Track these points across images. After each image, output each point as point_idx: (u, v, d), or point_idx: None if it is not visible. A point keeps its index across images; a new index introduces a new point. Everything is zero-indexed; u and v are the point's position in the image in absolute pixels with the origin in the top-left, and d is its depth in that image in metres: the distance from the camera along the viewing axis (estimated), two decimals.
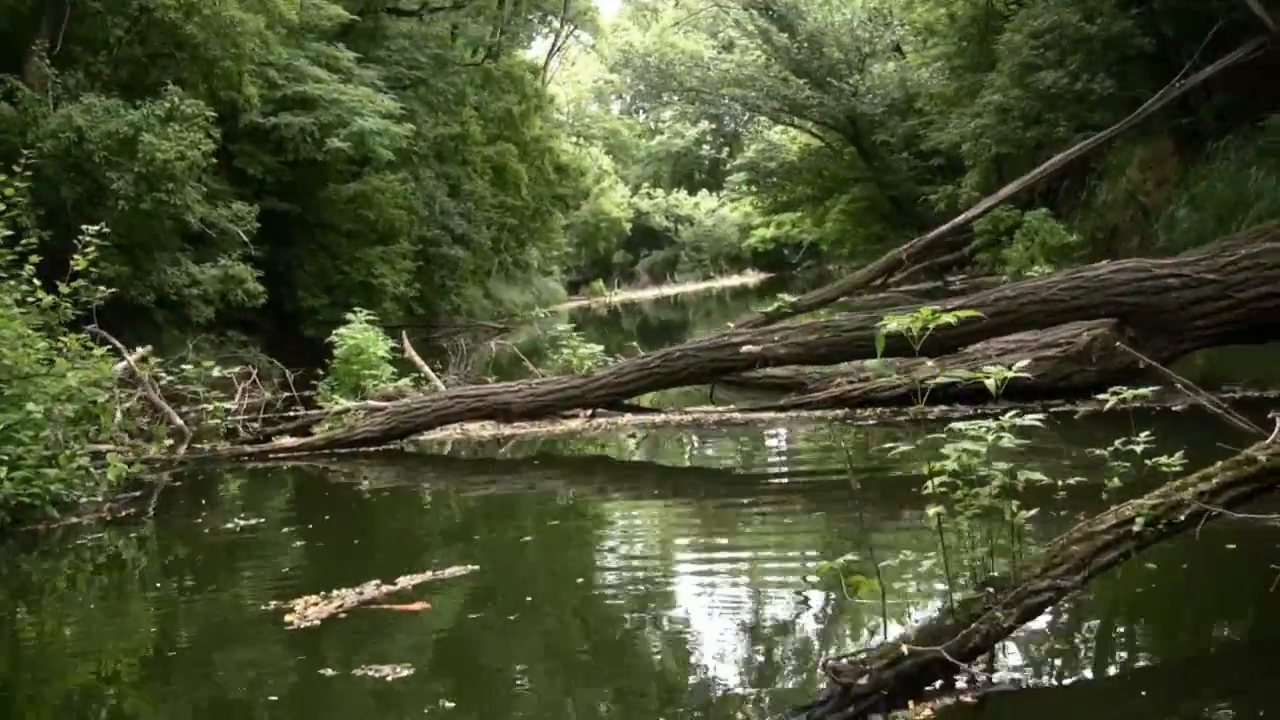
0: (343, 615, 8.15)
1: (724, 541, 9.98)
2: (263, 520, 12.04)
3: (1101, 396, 7.37)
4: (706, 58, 65.67)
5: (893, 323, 6.36)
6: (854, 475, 8.77)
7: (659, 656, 7.19)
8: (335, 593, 8.58)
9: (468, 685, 6.91)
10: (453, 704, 6.38)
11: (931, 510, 5.96)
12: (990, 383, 6.18)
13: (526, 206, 57.42)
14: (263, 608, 8.58)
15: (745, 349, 14.03)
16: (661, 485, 12.98)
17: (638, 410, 15.76)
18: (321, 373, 19.99)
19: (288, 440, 16.19)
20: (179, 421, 16.34)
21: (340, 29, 40.00)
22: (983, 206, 24.33)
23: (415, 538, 11.62)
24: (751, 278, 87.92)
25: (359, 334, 20.23)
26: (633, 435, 15.10)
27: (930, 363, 9.70)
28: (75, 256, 14.85)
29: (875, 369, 6.63)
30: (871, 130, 54.49)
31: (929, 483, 6.02)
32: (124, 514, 12.77)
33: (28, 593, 10.41)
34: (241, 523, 11.77)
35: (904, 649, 5.39)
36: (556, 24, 70.11)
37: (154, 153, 26.09)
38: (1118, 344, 12.16)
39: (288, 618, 8.13)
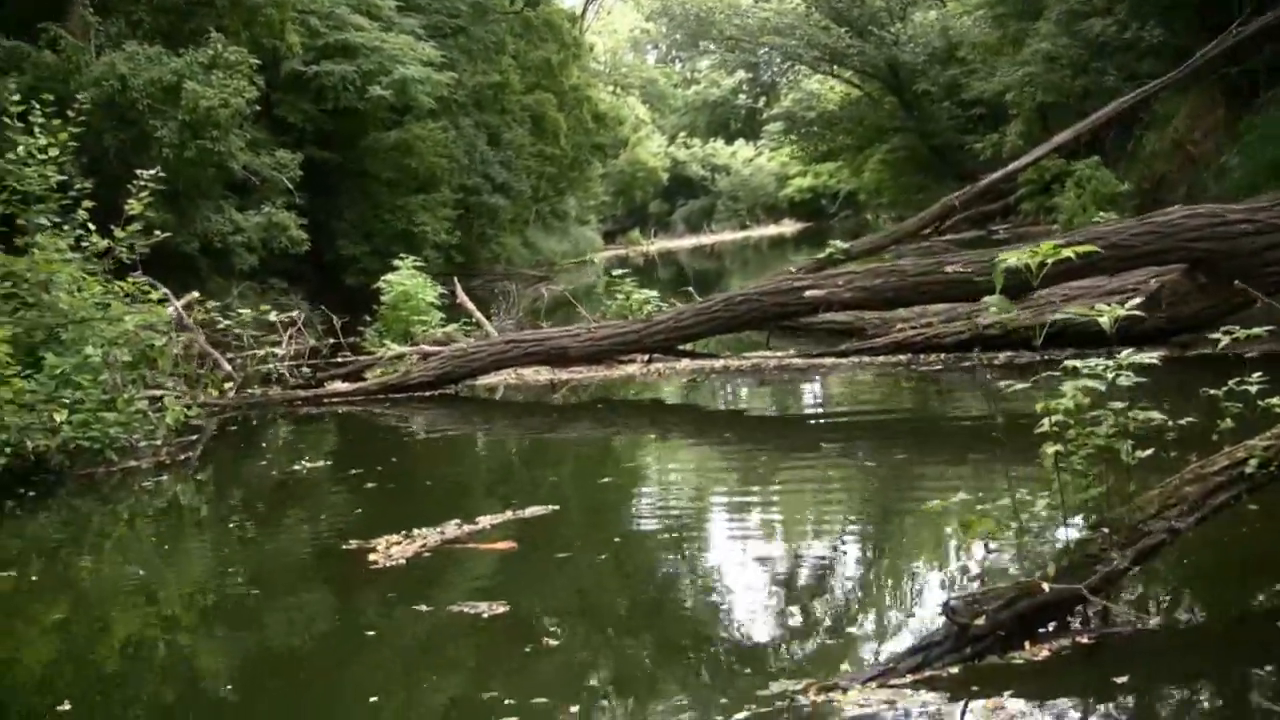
0: (427, 554, 8.11)
1: (809, 483, 9.77)
2: (329, 463, 11.97)
3: (1215, 336, 7.11)
4: (745, 5, 65.00)
5: (1011, 258, 6.15)
6: (997, 415, 8.42)
7: (766, 593, 7.07)
8: (415, 532, 8.54)
9: (568, 623, 6.83)
10: (555, 642, 6.27)
11: (1049, 449, 5.78)
12: (1105, 321, 5.97)
13: (565, 155, 56.98)
14: (343, 547, 8.55)
15: (809, 293, 13.85)
16: (733, 428, 12.80)
17: (694, 355, 15.56)
18: (369, 319, 19.88)
19: (340, 385, 16.15)
20: (227, 367, 16.24)
21: None
22: (1034, 155, 23.96)
23: (487, 480, 11.57)
24: (788, 227, 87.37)
25: (407, 280, 20.11)
26: (692, 380, 14.92)
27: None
28: (129, 201, 14.74)
29: (996, 305, 6.36)
30: (913, 79, 53.99)
31: (1045, 421, 5.83)
32: (183, 458, 12.71)
33: (103, 534, 10.38)
34: (308, 465, 11.70)
35: (1042, 586, 5.22)
36: None
37: (198, 100, 25.90)
38: (1193, 288, 11.94)
39: (371, 556, 8.09)
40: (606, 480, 10.66)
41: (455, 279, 22.08)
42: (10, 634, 7.78)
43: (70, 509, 11.32)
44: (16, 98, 14.52)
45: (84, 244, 14.38)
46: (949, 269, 13.24)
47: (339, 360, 18.04)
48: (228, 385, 15.58)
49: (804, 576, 7.26)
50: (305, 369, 17.13)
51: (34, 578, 8.97)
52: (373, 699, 5.86)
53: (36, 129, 14.47)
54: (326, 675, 6.50)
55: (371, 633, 6.92)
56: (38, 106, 14.64)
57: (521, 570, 7.94)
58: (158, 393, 14.14)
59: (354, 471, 11.53)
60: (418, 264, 21.03)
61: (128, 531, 10.55)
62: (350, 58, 34.65)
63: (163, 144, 25.58)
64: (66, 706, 5.97)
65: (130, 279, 14.65)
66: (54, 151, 14.35)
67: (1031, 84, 35.85)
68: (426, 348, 16.58)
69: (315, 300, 27.82)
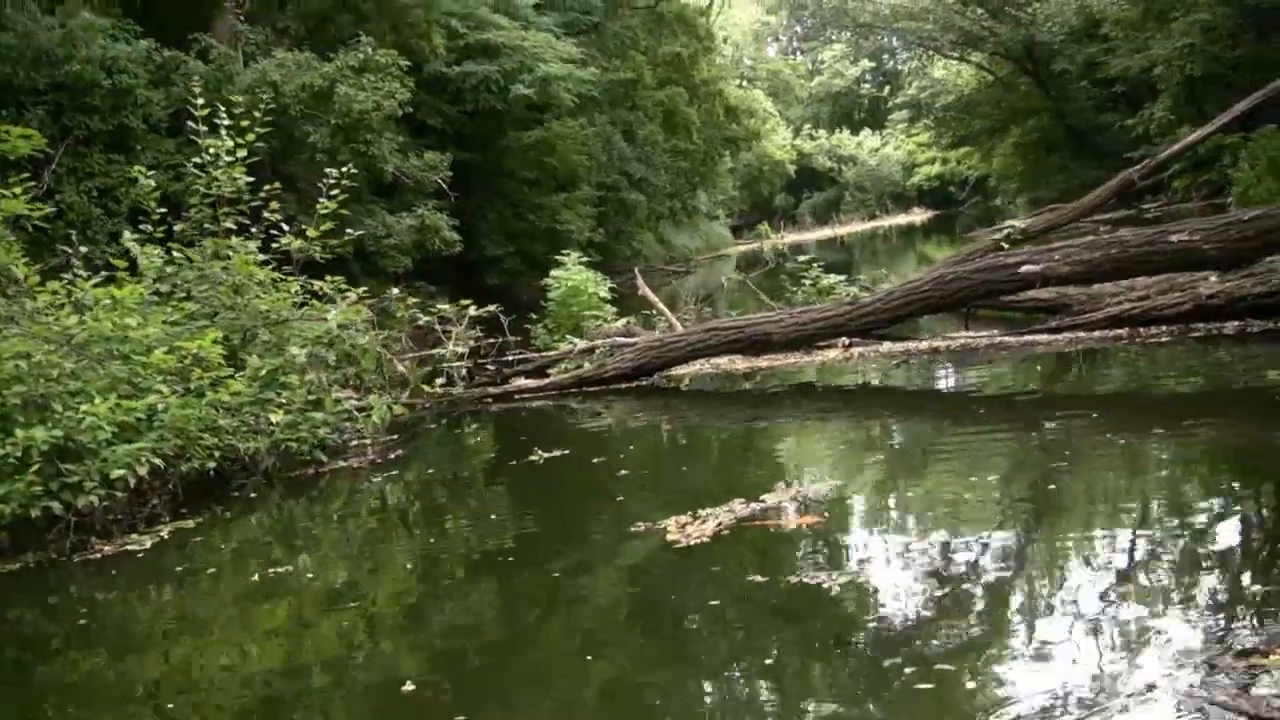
0: (725, 532, 7.81)
1: (1083, 468, 9.20)
2: (565, 452, 11.64)
3: None
4: None
5: None
6: None
7: (1086, 576, 6.56)
8: (701, 512, 8.26)
9: (924, 597, 6.42)
10: (930, 612, 5.95)
11: None
12: None
13: (697, 150, 56.76)
14: (631, 529, 8.30)
15: (1025, 268, 13.34)
16: (984, 407, 11.95)
17: (897, 339, 15.05)
18: (534, 317, 19.58)
19: (527, 381, 15.87)
20: (399, 369, 16.00)
21: None
22: (1213, 126, 23.01)
23: (747, 462, 11.20)
24: (917, 216, 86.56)
25: (576, 276, 19.83)
26: (902, 362, 14.38)
27: None
28: (320, 200, 14.65)
29: None
30: (1050, 59, 53.00)
31: None
32: (394, 455, 12.50)
33: (338, 531, 10.21)
34: (543, 454, 11.37)
35: None
36: None
37: (350, 104, 25.91)
38: None
39: (669, 537, 7.83)
40: (875, 459, 10.19)
41: (637, 271, 21.78)
42: (229, 637, 7.66)
43: (285, 510, 11.11)
44: (200, 101, 14.31)
45: (274, 245, 14.26)
46: (1173, 238, 12.69)
47: (518, 357, 17.76)
48: (439, 383, 15.32)
49: (1104, 571, 6.72)
50: (490, 366, 16.83)
51: (254, 578, 8.81)
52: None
53: (224, 131, 14.36)
54: (724, 640, 6.31)
55: (715, 602, 6.71)
56: (223, 110, 14.51)
57: (845, 545, 7.64)
58: (346, 394, 13.94)
59: (596, 460, 11.24)
60: (584, 260, 20.72)
61: (377, 526, 10.39)
62: (491, 58, 34.61)
63: (316, 148, 25.57)
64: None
65: (329, 278, 14.52)
66: (242, 153, 14.26)
67: (1185, 57, 34.86)
68: (621, 339, 16.26)
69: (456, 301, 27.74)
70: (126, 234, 13.51)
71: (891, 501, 8.84)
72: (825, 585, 6.51)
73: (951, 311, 15.10)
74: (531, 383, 15.78)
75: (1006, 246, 17.27)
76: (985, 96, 61.44)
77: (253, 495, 11.38)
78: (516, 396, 15.45)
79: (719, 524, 7.94)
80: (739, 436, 12.48)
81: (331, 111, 25.91)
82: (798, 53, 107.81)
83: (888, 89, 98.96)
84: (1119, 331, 13.48)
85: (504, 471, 11.54)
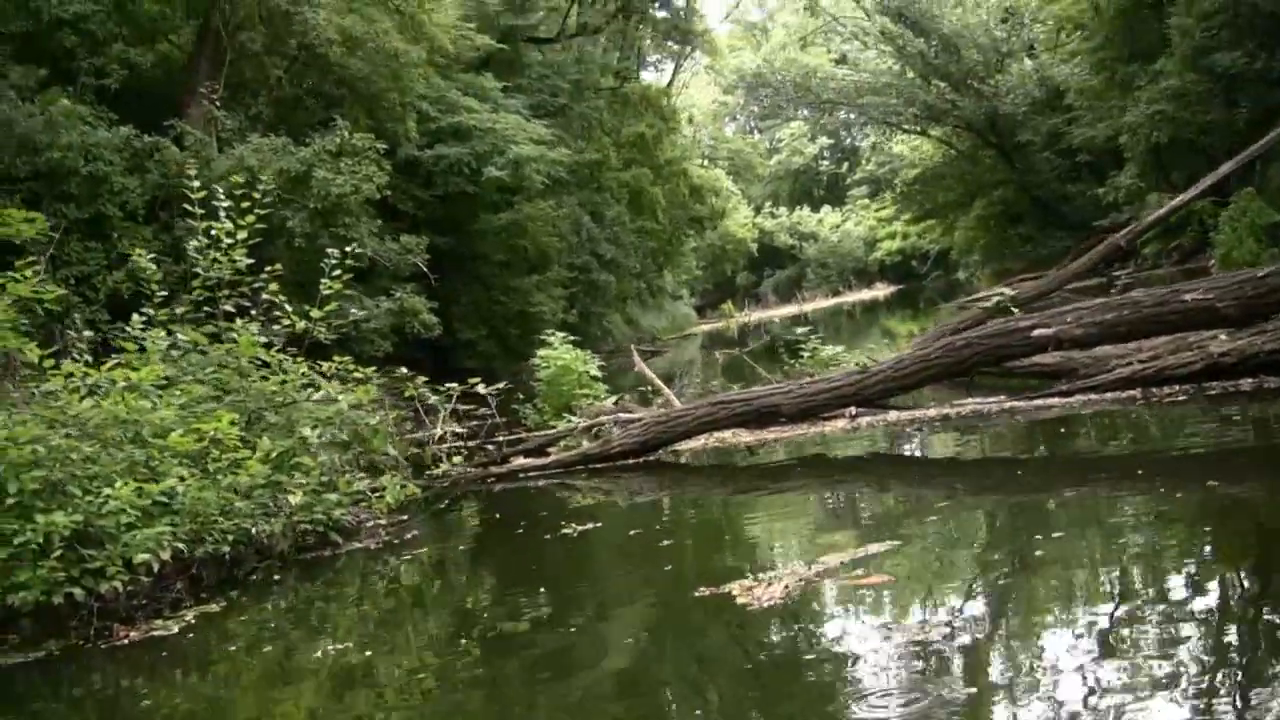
0: (797, 594, 7.74)
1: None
2: (598, 525, 11.52)
3: None
4: (836, 70, 65.04)
5: None
6: None
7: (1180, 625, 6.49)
8: (761, 575, 8.21)
9: (1025, 650, 6.40)
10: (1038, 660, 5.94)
11: None
12: None
13: (663, 230, 56.98)
14: (694, 594, 8.22)
15: (1037, 332, 13.35)
16: (1023, 468, 11.85)
17: (902, 408, 14.99)
18: (521, 398, 19.42)
19: (533, 460, 15.75)
20: (409, 449, 15.89)
21: (481, 60, 39.89)
22: (1197, 190, 23.23)
23: (787, 530, 11.02)
24: (880, 291, 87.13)
25: (566, 354, 19.73)
26: (915, 429, 14.30)
27: None
28: (323, 281, 14.58)
29: None
30: (1013, 130, 53.61)
31: None
32: (410, 536, 12.34)
33: (360, 614, 10.03)
34: (577, 528, 11.25)
35: None
36: (675, 47, 69.59)
37: (328, 188, 25.94)
38: None
39: (739, 600, 7.76)
40: (914, 523, 10.08)
41: (633, 348, 21.72)
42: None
43: (305, 593, 10.93)
44: (197, 184, 14.25)
45: (275, 326, 14.16)
46: (1187, 297, 12.72)
47: (512, 437, 17.61)
48: (455, 461, 15.20)
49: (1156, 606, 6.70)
50: (488, 446, 16.65)
51: (278, 663, 8.69)
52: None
53: (222, 213, 14.30)
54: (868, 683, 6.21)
55: (839, 650, 6.76)
56: (220, 192, 14.45)
57: (924, 602, 7.51)
58: (355, 475, 13.80)
59: (633, 532, 11.13)
60: (572, 340, 20.64)
61: (408, 606, 10.25)
62: (463, 140, 34.76)
63: (294, 234, 25.49)
64: None
65: (335, 358, 14.42)
66: (242, 235, 14.18)
67: (1153, 123, 35.30)
68: (622, 415, 16.14)
69: (438, 385, 27.57)
70: (135, 316, 13.34)
71: (949, 560, 8.73)
72: (929, 639, 6.53)
73: (962, 377, 15.06)
74: (534, 461, 15.65)
75: (1017, 311, 17.27)
76: (949, 170, 62.00)
77: (275, 578, 11.20)
78: (520, 475, 15.33)
79: (786, 587, 7.86)
80: (769, 506, 12.33)
81: (309, 196, 25.88)
82: (756, 131, 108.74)
83: (846, 165, 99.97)
84: (1132, 392, 13.44)
85: (537, 545, 11.36)
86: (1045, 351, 13.75)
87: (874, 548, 8.67)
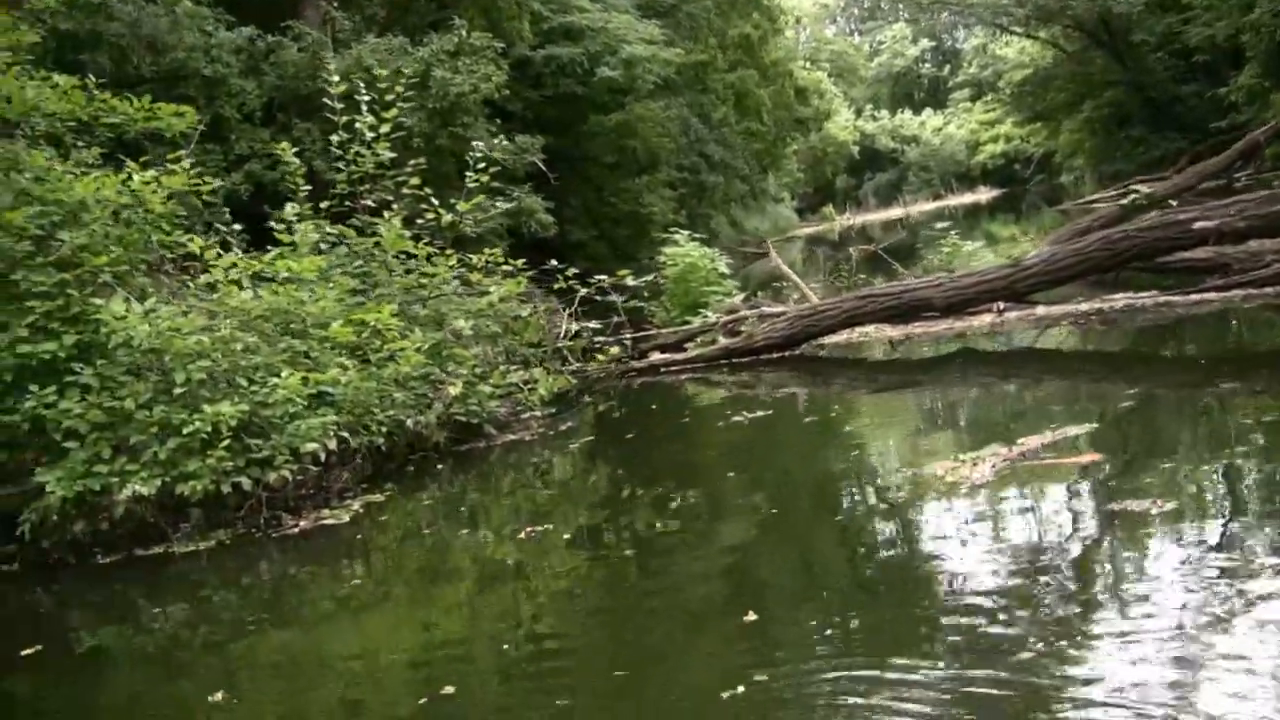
0: (1006, 472, 7.69)
1: None
2: (769, 413, 11.43)
3: None
4: None
5: None
6: None
7: None
8: (962, 458, 8.15)
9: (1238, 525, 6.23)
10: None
11: None
12: None
13: (768, 132, 56.47)
14: (898, 474, 8.27)
15: (1198, 224, 13.01)
16: (1195, 366, 11.55)
17: (1050, 303, 14.69)
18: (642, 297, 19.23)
19: (675, 355, 15.64)
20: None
21: None
22: None
23: (967, 416, 10.96)
24: (982, 195, 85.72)
25: (693, 252, 19.56)
26: (1072, 324, 13.98)
27: None
28: (468, 174, 14.51)
29: None
30: (1127, 30, 52.22)
31: None
32: (563, 428, 12.30)
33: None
34: (747, 415, 11.17)
35: None
36: None
37: (447, 87, 25.71)
38: None
39: (948, 479, 7.72)
40: (1122, 404, 9.87)
41: (769, 243, 21.54)
42: (413, 612, 7.59)
43: (463, 484, 10.96)
44: (336, 78, 14.17)
45: (417, 221, 14.13)
46: None
47: (644, 334, 17.50)
48: (605, 356, 15.15)
49: None
50: (624, 342, 16.56)
51: (440, 552, 8.83)
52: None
53: (364, 107, 14.23)
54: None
55: (1065, 532, 6.62)
56: (363, 87, 14.38)
57: (1123, 480, 7.34)
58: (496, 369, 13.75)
59: (808, 419, 11.05)
60: (699, 237, 20.44)
61: (592, 494, 10.18)
62: (575, 40, 34.31)
63: (412, 133, 25.38)
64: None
65: (486, 252, 14.38)
66: (385, 128, 14.12)
67: (1277, 21, 34.29)
68: (765, 309, 16.01)
69: (548, 285, 27.55)
70: (289, 207, 13.31)
71: (1156, 441, 8.60)
72: (1149, 511, 6.44)
73: (1116, 272, 14.71)
74: (673, 356, 15.60)
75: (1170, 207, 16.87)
76: (1060, 71, 60.60)
77: (433, 469, 11.23)
78: (660, 370, 15.24)
79: (993, 466, 7.79)
80: (937, 395, 12.19)
81: (428, 95, 25.72)
82: (856, 34, 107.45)
83: (948, 68, 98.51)
84: None
85: (709, 432, 11.30)
86: (1205, 245, 13.41)
87: (1071, 430, 8.53)
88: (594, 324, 16.47)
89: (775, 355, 14.85)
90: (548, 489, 10.59)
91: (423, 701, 5.64)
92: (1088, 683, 4.61)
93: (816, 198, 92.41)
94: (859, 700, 4.83)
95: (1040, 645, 4.99)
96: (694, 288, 18.84)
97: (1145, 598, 5.37)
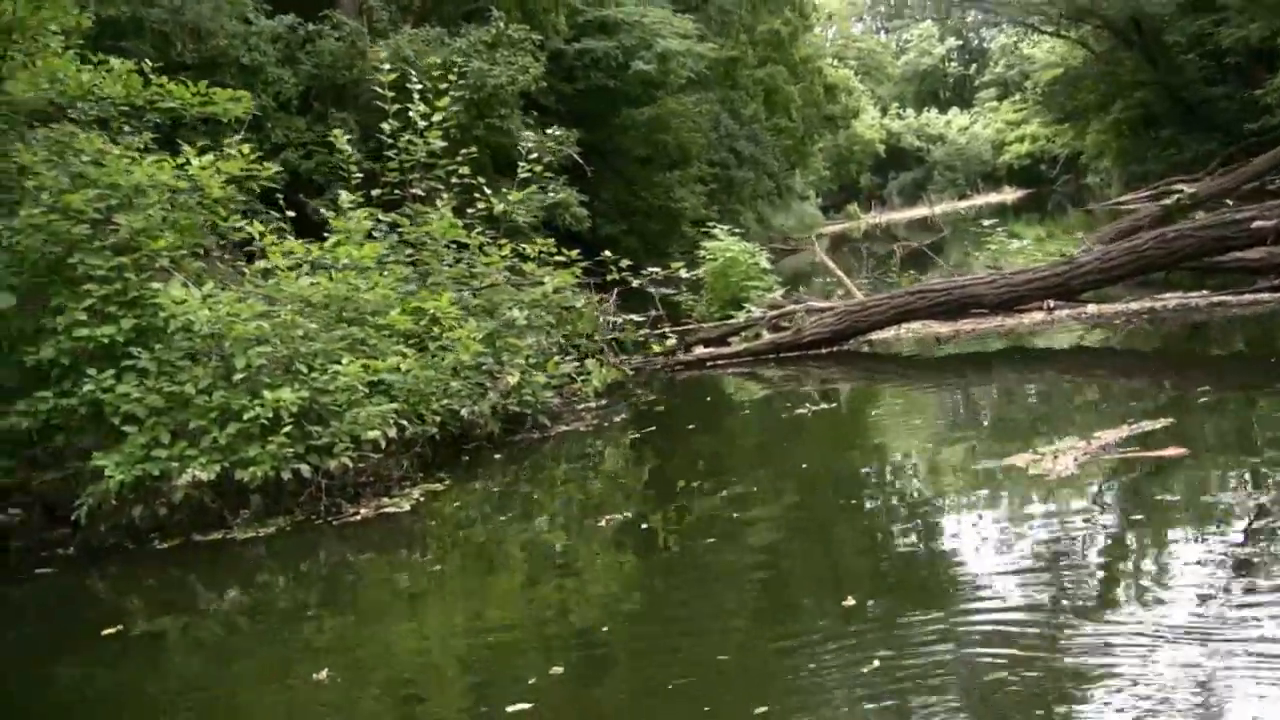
0: (1082, 467, 7.63)
1: None
2: (832, 405, 11.41)
3: None
4: None
5: None
6: None
7: None
8: (1040, 451, 8.10)
9: None
10: None
11: None
12: None
13: (797, 128, 56.32)
14: (978, 466, 8.21)
15: (1257, 224, 12.94)
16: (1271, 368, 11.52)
17: (1101, 301, 14.62)
18: (683, 290, 19.21)
19: (721, 348, 15.62)
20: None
21: None
22: None
23: (1036, 411, 10.87)
24: (1008, 195, 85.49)
25: (733, 246, 19.51)
26: (1129, 321, 13.90)
27: None
28: (520, 164, 14.50)
29: None
30: (1158, 31, 51.99)
31: None
32: (616, 419, 12.27)
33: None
34: (811, 408, 11.14)
35: None
36: None
37: (484, 79, 25.67)
38: None
39: (1031, 472, 7.68)
40: (1198, 400, 9.73)
41: (814, 239, 21.51)
42: (467, 603, 7.61)
43: (519, 473, 10.93)
44: (387, 67, 14.17)
45: (468, 210, 14.12)
46: None
47: (685, 328, 17.46)
48: (669, 344, 15.15)
49: None
50: (669, 336, 16.53)
51: (496, 541, 8.85)
52: None
53: (416, 96, 14.24)
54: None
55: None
56: (413, 75, 14.37)
57: (1211, 474, 7.37)
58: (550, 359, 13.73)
59: (875, 412, 11.01)
60: (735, 230, 20.42)
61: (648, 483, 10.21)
62: (610, 34, 34.23)
63: (449, 125, 25.35)
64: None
65: (539, 241, 14.36)
66: (437, 118, 14.11)
67: None
68: (812, 303, 15.98)
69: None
70: (344, 195, 13.30)
71: (1239, 435, 8.54)
72: (1249, 504, 6.46)
73: (1167, 272, 14.65)
74: (720, 350, 15.58)
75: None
76: (1090, 71, 60.36)
77: (489, 458, 11.22)
78: (706, 364, 15.21)
79: (1075, 459, 7.76)
80: (998, 390, 12.17)
81: (465, 86, 25.68)
82: (883, 31, 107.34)
83: (974, 67, 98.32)
84: None
85: (773, 424, 11.26)
86: (1262, 245, 13.32)
87: (1147, 425, 8.49)
88: (635, 317, 16.42)
89: (823, 350, 14.78)
90: (608, 479, 10.56)
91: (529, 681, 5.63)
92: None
93: (841, 196, 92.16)
94: (986, 678, 4.85)
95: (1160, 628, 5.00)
96: (734, 282, 18.79)
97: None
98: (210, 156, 11.66)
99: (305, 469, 9.71)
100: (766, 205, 59.84)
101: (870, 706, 4.84)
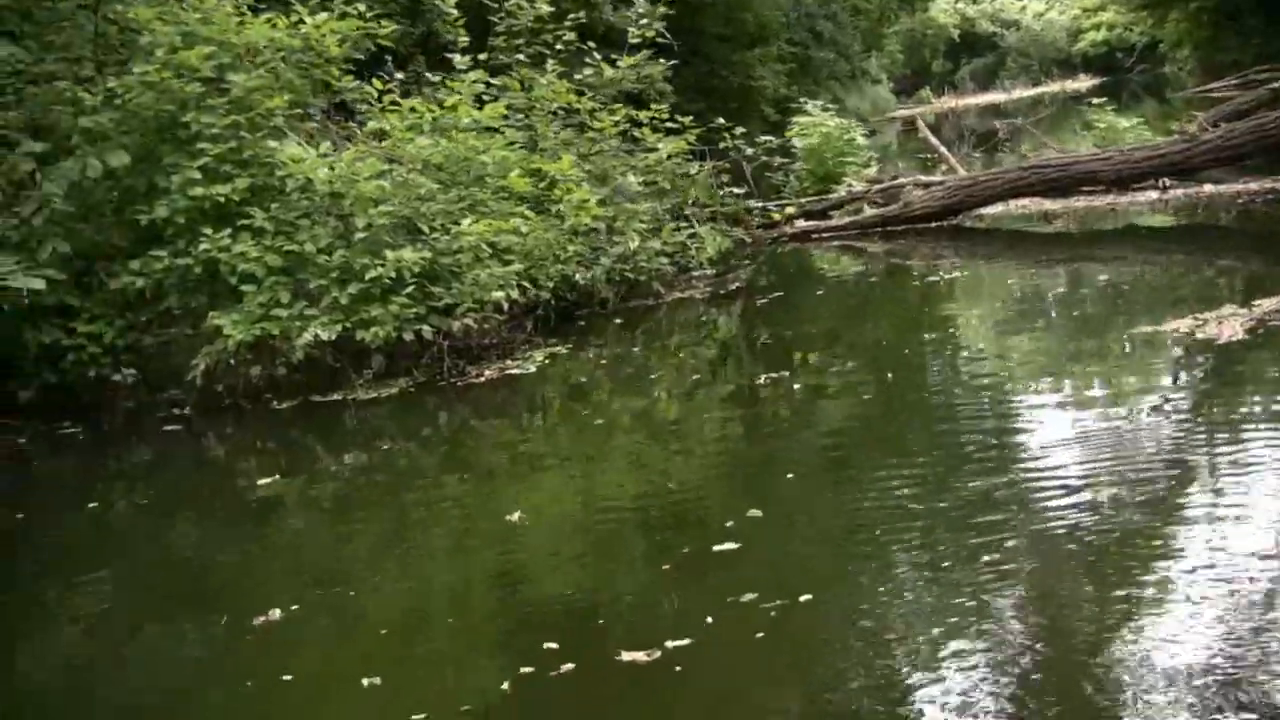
0: (1249, 332, 7.54)
1: None
2: (965, 274, 11.25)
3: None
4: None
5: None
6: None
7: None
8: (1200, 317, 8.00)
9: None
10: None
11: None
12: None
13: (873, 10, 55.40)
14: (1145, 330, 8.10)
15: None
16: None
17: (1218, 182, 14.31)
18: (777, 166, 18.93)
19: (824, 222, 15.45)
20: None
21: None
22: None
23: (1186, 281, 10.75)
24: (1083, 82, 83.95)
25: (828, 122, 19.24)
26: (1250, 202, 13.57)
27: None
28: (630, 30, 14.51)
29: None
30: None
31: None
32: (733, 287, 12.15)
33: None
34: (944, 276, 11.00)
35: None
36: None
37: None
38: None
39: (1198, 336, 7.67)
40: None
41: (918, 116, 21.26)
42: (582, 467, 7.55)
43: (638, 338, 10.82)
44: None
45: (575, 77, 13.94)
46: None
47: (782, 201, 17.26)
48: (789, 212, 15.06)
49: None
50: (768, 208, 16.33)
51: (611, 408, 8.82)
52: None
53: None
54: None
55: None
56: None
57: None
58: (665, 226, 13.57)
59: (1012, 280, 10.85)
60: (828, 105, 20.09)
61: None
62: None
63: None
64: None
65: (654, 106, 14.19)
66: None
67: None
68: (921, 178, 15.76)
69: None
70: (458, 58, 13.10)
71: None
72: None
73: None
74: (826, 223, 15.39)
75: None
76: None
77: (611, 322, 11.13)
78: (813, 236, 15.04)
79: (1241, 324, 7.63)
80: (1133, 264, 11.84)
81: None
82: None
83: None
84: None
85: (905, 291, 11.14)
86: None
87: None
88: (736, 190, 16.20)
89: (931, 225, 14.57)
90: (726, 349, 10.46)
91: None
92: None
93: (913, 80, 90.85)
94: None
95: None
96: (828, 158, 18.54)
97: None
98: (324, 15, 11.46)
99: (427, 330, 9.63)
100: (840, 87, 59.15)
101: None
